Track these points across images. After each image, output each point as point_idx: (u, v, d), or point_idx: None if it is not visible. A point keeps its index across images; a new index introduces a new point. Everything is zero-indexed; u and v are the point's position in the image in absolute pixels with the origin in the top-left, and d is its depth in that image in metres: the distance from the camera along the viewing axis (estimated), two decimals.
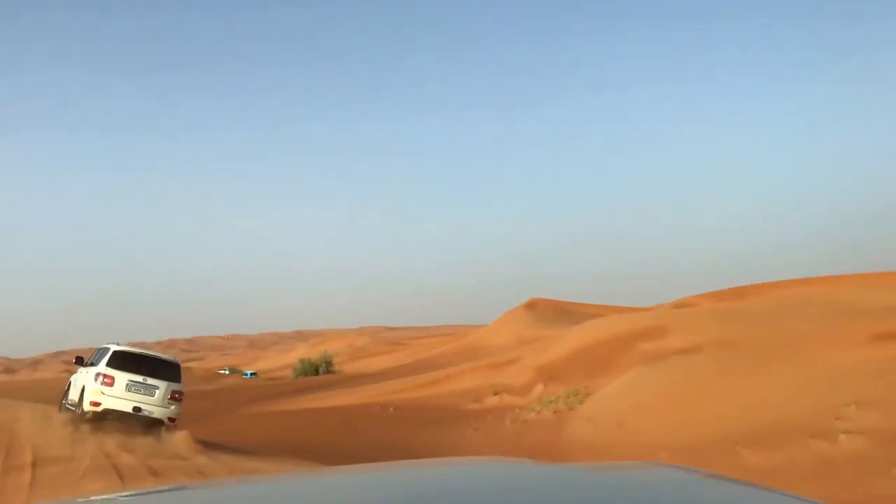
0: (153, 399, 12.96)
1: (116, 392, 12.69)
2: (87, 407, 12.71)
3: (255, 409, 28.55)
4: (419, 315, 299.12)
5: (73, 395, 13.92)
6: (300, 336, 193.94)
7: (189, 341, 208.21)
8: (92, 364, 13.62)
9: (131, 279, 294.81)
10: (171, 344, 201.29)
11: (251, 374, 78.95)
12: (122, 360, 13.02)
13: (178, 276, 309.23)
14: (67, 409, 14.15)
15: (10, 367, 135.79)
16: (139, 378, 12.91)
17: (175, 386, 13.36)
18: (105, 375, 12.70)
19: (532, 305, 63.10)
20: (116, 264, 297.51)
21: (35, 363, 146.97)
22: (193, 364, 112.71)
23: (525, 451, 17.28)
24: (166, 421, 13.08)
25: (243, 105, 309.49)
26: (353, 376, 46.79)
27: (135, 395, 12.81)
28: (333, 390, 35.58)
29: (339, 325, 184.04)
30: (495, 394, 26.84)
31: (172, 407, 13.19)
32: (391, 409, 25.72)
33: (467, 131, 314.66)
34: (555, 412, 21.73)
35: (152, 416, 12.91)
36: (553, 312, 60.90)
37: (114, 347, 13.36)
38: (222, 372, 77.72)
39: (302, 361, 55.53)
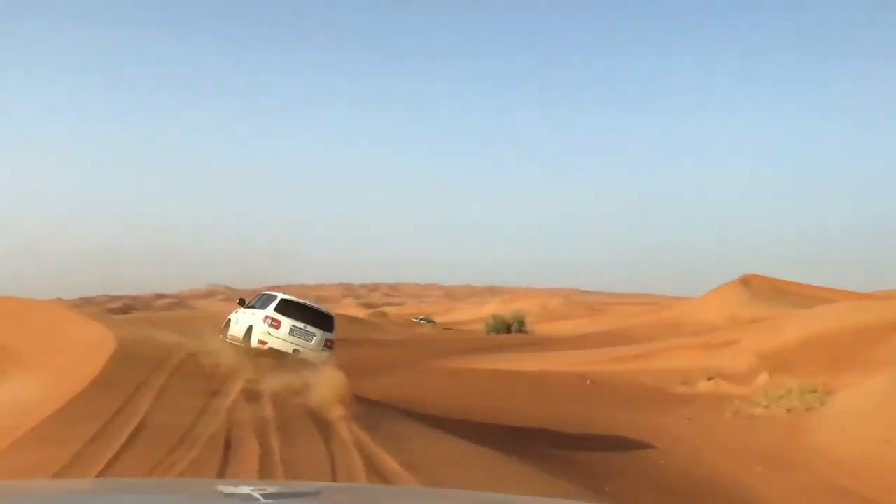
0: (310, 344, 14.37)
1: (281, 334, 14.20)
2: (254, 343, 14.20)
3: (443, 364, 27.47)
4: (614, 280, 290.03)
5: (236, 332, 15.47)
6: (493, 291, 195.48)
7: (391, 287, 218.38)
8: (253, 307, 15.35)
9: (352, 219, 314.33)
10: (374, 287, 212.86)
11: (423, 319, 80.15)
12: (287, 307, 14.51)
13: (387, 228, 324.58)
14: (228, 342, 15.50)
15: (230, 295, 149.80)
16: (301, 324, 14.38)
17: (328, 335, 14.70)
18: (273, 319, 14.23)
19: (747, 282, 56.84)
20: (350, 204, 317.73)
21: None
22: (392, 309, 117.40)
23: (758, 457, 14.23)
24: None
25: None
26: (545, 339, 44.76)
27: (296, 338, 14.26)
28: (525, 352, 33.82)
29: (531, 284, 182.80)
30: (709, 379, 23.50)
31: (325, 353, 14.49)
32: (588, 381, 23.37)
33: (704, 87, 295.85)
34: (788, 410, 18.20)
35: (308, 359, 14.02)
36: (770, 291, 54.46)
37: (281, 296, 14.91)
38: (416, 320, 79.46)
39: (495, 318, 54.43)
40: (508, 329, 51.73)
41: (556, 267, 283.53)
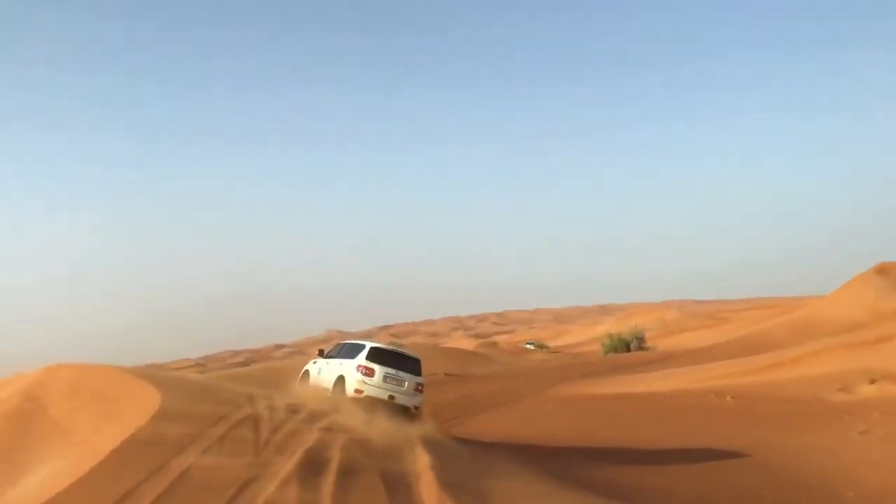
0: (403, 389, 14.56)
1: (375, 382, 14.34)
2: (349, 393, 14.29)
3: (560, 392, 25.34)
4: (728, 287, 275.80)
5: (322, 382, 15.62)
6: (604, 310, 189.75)
7: (499, 315, 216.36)
8: (334, 357, 15.70)
9: (444, 258, 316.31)
10: (483, 318, 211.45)
11: (534, 344, 77.73)
12: (378, 355, 14.73)
13: (489, 254, 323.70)
14: (314, 394, 15.53)
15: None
16: (392, 371, 14.55)
17: (418, 378, 14.91)
18: (367, 368, 14.42)
19: (884, 271, 51.42)
20: (429, 245, 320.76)
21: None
22: (502, 338, 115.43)
23: None
24: (412, 409, 14.66)
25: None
26: (669, 354, 41.59)
27: (389, 385, 14.43)
28: (649, 371, 31.13)
29: (642, 299, 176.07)
30: (872, 381, 20.34)
31: (417, 398, 14.79)
32: (728, 397, 20.68)
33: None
34: None
35: (403, 404, 14.44)
36: None
37: (370, 344, 15.18)
38: (528, 346, 77.24)
39: (611, 336, 51.41)
40: (627, 347, 48.68)
41: (667, 279, 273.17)
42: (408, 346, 75.15)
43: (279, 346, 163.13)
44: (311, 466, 8.05)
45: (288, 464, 7.99)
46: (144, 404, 9.17)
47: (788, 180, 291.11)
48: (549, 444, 15.85)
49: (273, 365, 45.14)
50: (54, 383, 10.96)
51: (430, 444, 10.07)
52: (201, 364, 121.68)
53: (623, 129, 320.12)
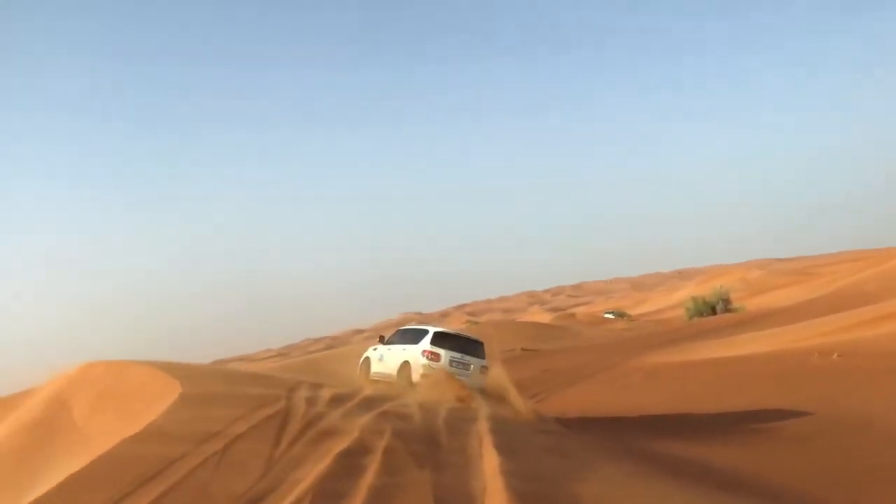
0: (468, 372, 14.39)
1: (441, 366, 14.16)
2: (415, 378, 14.19)
3: (647, 361, 24.00)
4: (806, 243, 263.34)
5: (385, 369, 15.47)
6: (682, 275, 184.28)
7: (575, 287, 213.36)
8: (395, 343, 15.66)
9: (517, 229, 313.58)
10: (558, 291, 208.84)
11: (613, 313, 75.50)
12: (442, 339, 14.61)
13: (557, 221, 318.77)
14: (376, 380, 15.59)
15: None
16: (458, 355, 14.43)
17: (482, 361, 14.78)
18: (432, 352, 14.32)
19: None
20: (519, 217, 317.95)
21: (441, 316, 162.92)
22: (580, 310, 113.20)
23: None
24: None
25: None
26: (759, 314, 39.37)
27: (455, 369, 14.24)
28: (739, 333, 29.34)
29: (720, 262, 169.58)
30: None
31: (482, 380, 14.56)
32: (835, 355, 18.94)
33: None
34: None
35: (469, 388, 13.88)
36: None
37: (433, 328, 15.06)
38: (607, 315, 75.30)
39: (694, 300, 49.12)
40: (713, 310, 46.43)
41: (745, 239, 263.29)
42: (483, 323, 74.35)
43: (357, 332, 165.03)
44: (337, 484, 5.97)
45: (303, 481, 6.01)
46: (160, 403, 8.23)
47: (865, 122, 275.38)
48: (642, 419, 14.68)
49: (341, 351, 44.20)
50: (84, 384, 10.41)
51: (501, 437, 8.43)
52: (283, 354, 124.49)
53: (689, 87, 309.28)
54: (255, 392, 10.08)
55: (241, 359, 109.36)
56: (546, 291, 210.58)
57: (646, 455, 9.75)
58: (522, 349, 36.48)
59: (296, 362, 41.67)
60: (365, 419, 8.79)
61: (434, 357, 14.24)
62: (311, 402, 9.87)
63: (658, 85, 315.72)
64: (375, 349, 16.55)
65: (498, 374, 14.72)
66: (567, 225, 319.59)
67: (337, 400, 10.42)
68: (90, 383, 10.58)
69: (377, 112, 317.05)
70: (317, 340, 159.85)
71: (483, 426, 9.18)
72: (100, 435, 7.80)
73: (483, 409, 11.01)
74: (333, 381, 14.06)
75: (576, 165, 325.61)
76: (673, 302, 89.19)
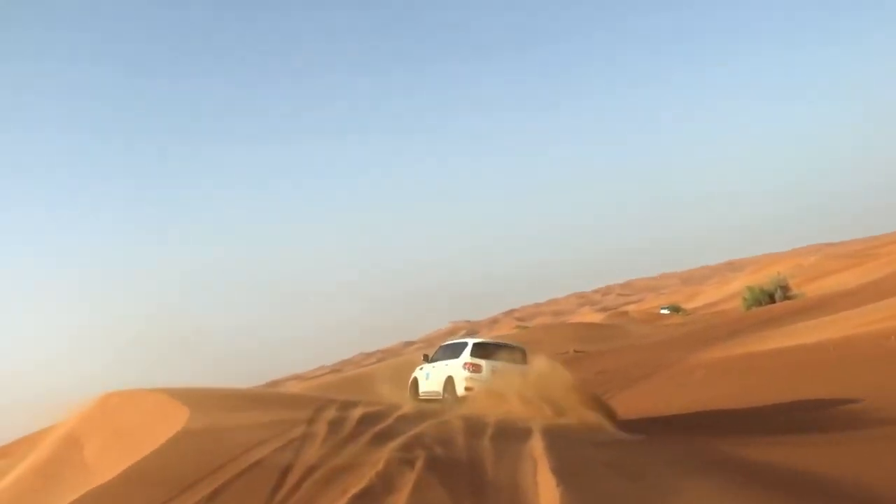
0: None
1: (484, 377, 13.95)
2: (460, 392, 13.92)
3: (709, 356, 22.92)
4: (856, 226, 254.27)
5: (431, 387, 15.28)
6: (733, 266, 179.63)
7: (623, 285, 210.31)
8: (439, 360, 15.53)
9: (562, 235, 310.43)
10: (607, 290, 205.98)
11: (669, 309, 73.50)
12: (483, 350, 14.57)
13: (603, 222, 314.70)
14: (423, 400, 15.35)
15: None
16: (499, 364, 14.24)
17: (525, 368, 14.29)
18: (473, 364, 14.15)
19: None
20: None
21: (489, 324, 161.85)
22: (631, 307, 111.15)
23: None
24: None
25: None
26: (821, 300, 37.64)
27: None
28: (804, 320, 27.93)
29: (770, 250, 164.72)
30: None
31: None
32: (892, 337, 17.72)
33: None
34: None
35: None
36: None
37: (472, 340, 15.10)
38: (663, 311, 73.54)
39: (751, 289, 47.36)
40: (772, 298, 44.66)
41: (795, 226, 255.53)
42: (533, 327, 73.22)
43: (408, 343, 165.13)
44: None
45: None
46: (157, 439, 7.56)
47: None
48: (711, 418, 13.77)
49: (393, 363, 43.37)
50: (99, 417, 9.88)
51: (559, 458, 7.31)
52: (336, 370, 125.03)
53: (732, 66, 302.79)
54: (269, 419, 9.11)
55: (295, 377, 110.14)
56: (595, 291, 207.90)
57: (726, 463, 8.73)
58: (575, 351, 35.57)
59: (343, 378, 41.06)
60: (395, 444, 7.79)
61: (475, 368, 14.14)
62: (335, 425, 8.82)
63: (700, 64, 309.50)
64: (422, 368, 16.49)
65: (561, 377, 13.47)
66: (611, 221, 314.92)
67: (367, 421, 9.28)
68: (106, 416, 10.09)
69: (428, 119, 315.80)
70: (369, 355, 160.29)
71: (537, 445, 8.07)
72: (103, 474, 7.22)
73: (536, 420, 9.97)
74: (375, 397, 13.48)
75: (610, 157, 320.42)
76: (727, 293, 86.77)
